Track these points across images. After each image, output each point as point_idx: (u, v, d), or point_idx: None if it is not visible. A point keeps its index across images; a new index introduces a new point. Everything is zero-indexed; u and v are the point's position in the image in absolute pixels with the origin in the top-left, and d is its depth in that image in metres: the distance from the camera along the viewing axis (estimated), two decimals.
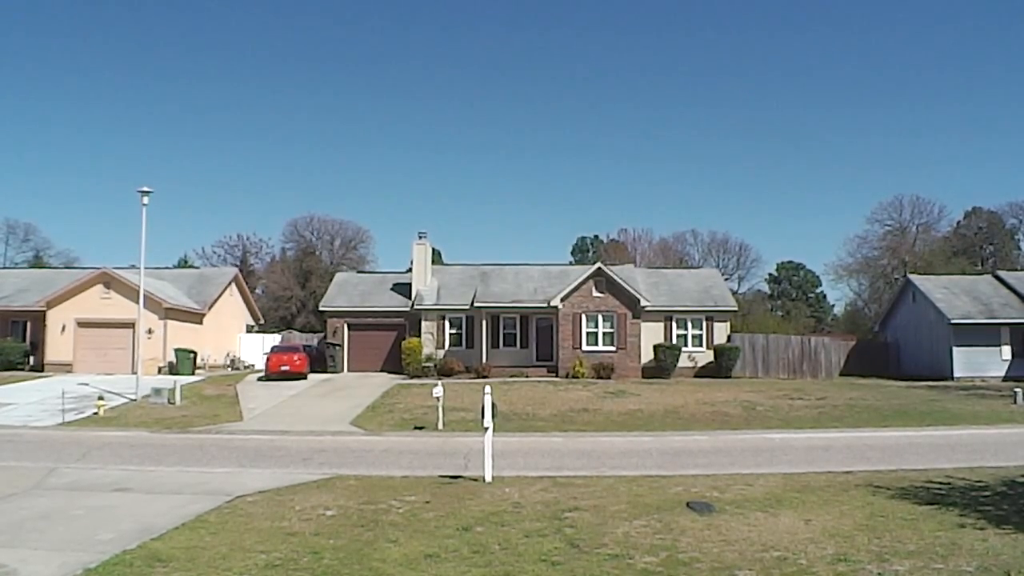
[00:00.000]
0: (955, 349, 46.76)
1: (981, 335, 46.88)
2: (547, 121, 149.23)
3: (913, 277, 54.80)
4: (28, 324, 48.61)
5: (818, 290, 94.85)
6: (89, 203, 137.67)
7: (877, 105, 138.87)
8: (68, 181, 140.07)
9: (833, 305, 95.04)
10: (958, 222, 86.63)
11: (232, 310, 56.46)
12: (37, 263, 77.40)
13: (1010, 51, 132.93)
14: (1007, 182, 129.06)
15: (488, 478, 17.35)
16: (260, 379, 43.69)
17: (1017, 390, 34.57)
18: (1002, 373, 46.26)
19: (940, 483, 16.69)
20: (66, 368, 45.70)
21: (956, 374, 46.20)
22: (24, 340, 48.28)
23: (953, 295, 49.68)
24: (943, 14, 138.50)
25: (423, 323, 49.30)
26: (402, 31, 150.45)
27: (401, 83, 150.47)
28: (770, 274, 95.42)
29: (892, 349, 53.04)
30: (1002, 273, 54.02)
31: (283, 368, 43.16)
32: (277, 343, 52.09)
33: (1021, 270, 60.44)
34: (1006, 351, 47.01)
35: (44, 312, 46.92)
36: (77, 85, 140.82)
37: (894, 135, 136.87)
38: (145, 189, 35.10)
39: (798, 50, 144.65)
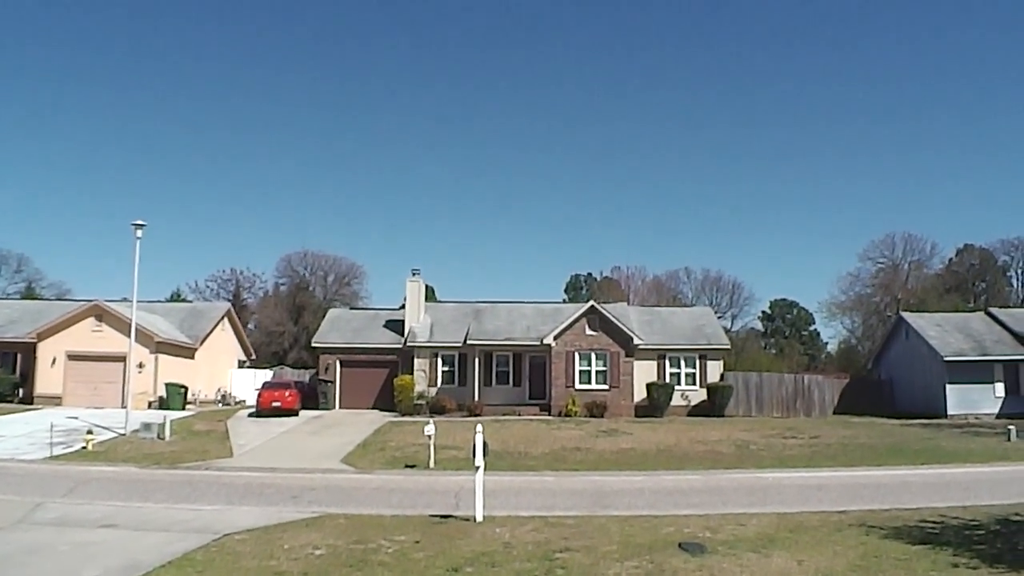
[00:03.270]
0: (949, 386, 46.69)
1: (974, 372, 46.83)
2: (541, 158, 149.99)
3: (906, 314, 54.84)
4: (18, 356, 48.32)
5: (811, 328, 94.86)
6: (82, 235, 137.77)
7: (869, 143, 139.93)
8: (62, 213, 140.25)
9: (826, 343, 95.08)
10: (950, 259, 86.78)
11: (224, 345, 56.25)
12: (29, 294, 77.06)
13: (1000, 90, 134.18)
14: (999, 219, 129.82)
15: (479, 517, 17.20)
16: (251, 415, 43.42)
17: (1011, 427, 34.51)
18: (996, 410, 46.15)
19: (934, 522, 16.59)
20: (56, 401, 45.39)
21: (950, 411, 46.07)
22: (14, 372, 47.98)
23: (946, 332, 49.69)
24: (934, 53, 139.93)
25: (416, 360, 49.13)
26: (396, 71, 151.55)
27: (395, 120, 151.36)
28: (763, 312, 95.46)
29: (886, 387, 52.93)
30: (994, 310, 54.11)
31: (274, 404, 42.90)
32: (269, 379, 51.83)
33: (1013, 307, 60.55)
34: (999, 388, 46.94)
35: (35, 344, 46.69)
36: (72, 117, 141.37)
37: (886, 173, 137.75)
38: (139, 222, 35.03)
39: (790, 89, 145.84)
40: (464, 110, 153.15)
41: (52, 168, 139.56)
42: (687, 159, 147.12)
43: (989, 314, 53.21)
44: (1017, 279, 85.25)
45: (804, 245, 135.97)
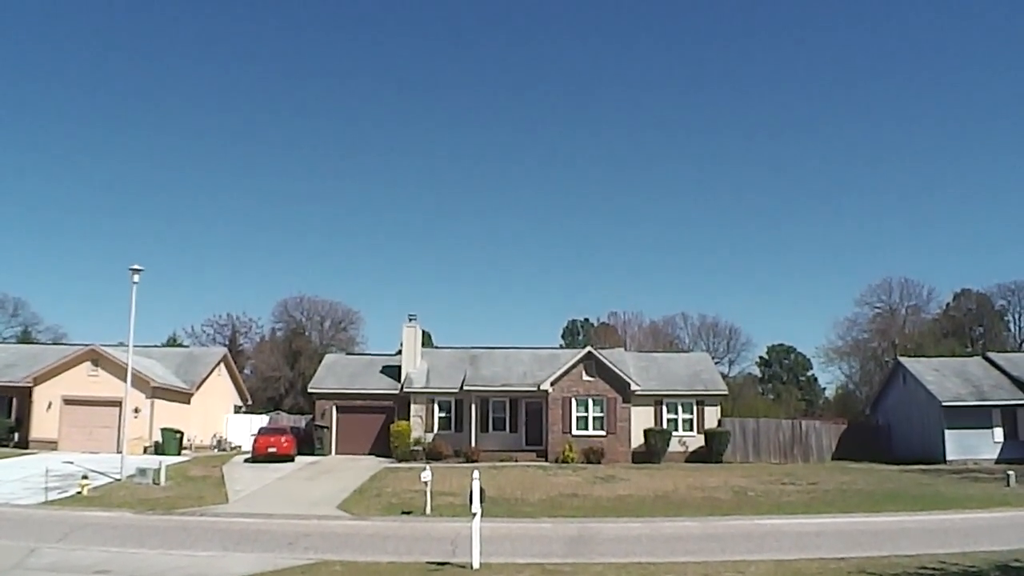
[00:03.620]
0: (947, 432, 46.55)
1: (973, 417, 46.70)
2: (538, 204, 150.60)
3: (903, 359, 54.85)
4: (14, 400, 48.06)
5: (809, 373, 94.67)
6: (79, 279, 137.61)
7: (865, 189, 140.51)
8: (59, 257, 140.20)
9: (824, 388, 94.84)
10: (947, 304, 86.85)
11: (220, 390, 56.11)
12: (25, 338, 76.95)
13: (996, 135, 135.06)
14: (996, 264, 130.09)
15: (476, 565, 17.11)
16: (247, 460, 43.21)
17: (1010, 473, 34.41)
18: (994, 455, 45.99)
19: (933, 569, 16.51)
20: (51, 446, 45.18)
21: (948, 457, 45.91)
22: (9, 416, 47.71)
23: (944, 377, 49.64)
24: (931, 98, 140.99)
25: (412, 406, 49.01)
26: (391, 116, 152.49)
27: (392, 166, 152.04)
28: (761, 357, 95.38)
29: (883, 432, 52.77)
30: (992, 355, 54.08)
31: (270, 450, 42.73)
32: (265, 424, 51.66)
33: (1011, 351, 60.54)
34: (998, 433, 46.81)
35: (31, 388, 46.58)
36: (70, 162, 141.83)
37: (883, 218, 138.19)
38: (136, 267, 35.09)
39: (787, 133, 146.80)
40: (460, 155, 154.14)
41: (49, 212, 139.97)
42: (684, 204, 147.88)
43: (987, 359, 53.19)
44: (1015, 323, 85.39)
45: (801, 290, 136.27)
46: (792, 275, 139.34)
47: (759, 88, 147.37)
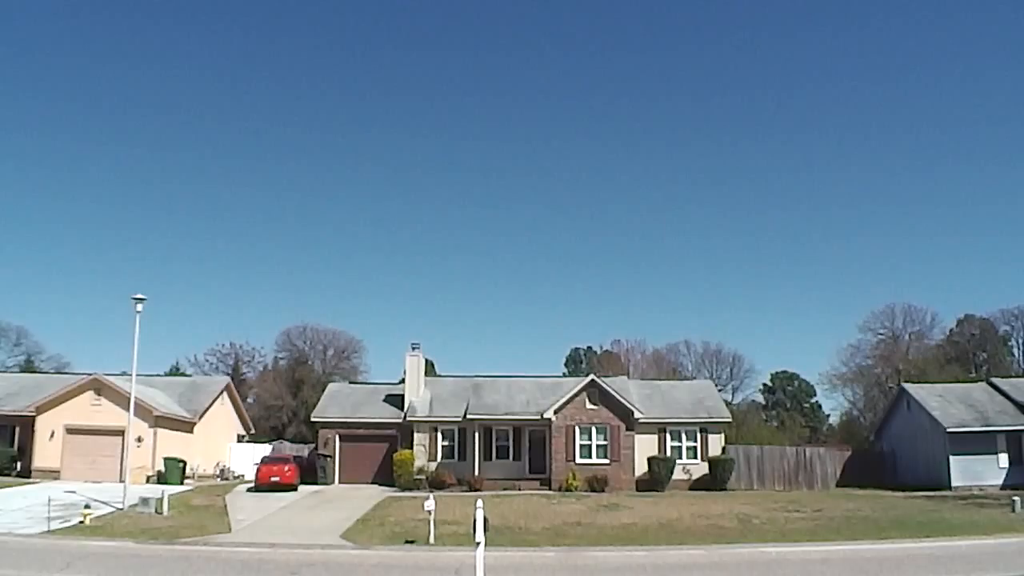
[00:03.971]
0: (952, 458, 46.36)
1: (977, 443, 46.52)
2: (540, 233, 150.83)
3: (907, 386, 54.71)
4: (16, 429, 48.00)
5: (813, 400, 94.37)
6: (82, 308, 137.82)
7: (867, 214, 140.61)
8: (61, 286, 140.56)
9: (828, 415, 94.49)
10: (951, 329, 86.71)
11: (223, 419, 56.05)
12: (28, 367, 76.95)
13: (998, 160, 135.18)
14: (999, 289, 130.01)
15: None
16: (249, 490, 43.13)
17: (1015, 498, 34.22)
18: (1000, 481, 45.79)
19: None
20: (53, 475, 45.04)
21: (954, 483, 45.70)
22: (12, 445, 47.64)
23: (948, 403, 49.50)
24: (933, 125, 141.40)
25: (415, 435, 48.92)
26: (393, 145, 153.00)
27: (393, 194, 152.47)
28: (764, 384, 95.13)
29: (888, 459, 52.58)
30: (996, 380, 53.93)
31: (273, 479, 42.65)
32: (267, 453, 51.60)
33: (1015, 376, 60.45)
34: (1003, 459, 46.62)
35: (33, 417, 46.53)
36: (72, 191, 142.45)
37: (886, 244, 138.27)
38: (139, 296, 35.12)
39: (788, 161, 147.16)
40: (462, 183, 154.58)
41: (53, 241, 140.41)
42: (687, 232, 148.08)
43: (991, 384, 53.06)
44: (1018, 348, 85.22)
45: (804, 317, 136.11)
46: (795, 302, 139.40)
47: (762, 114, 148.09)
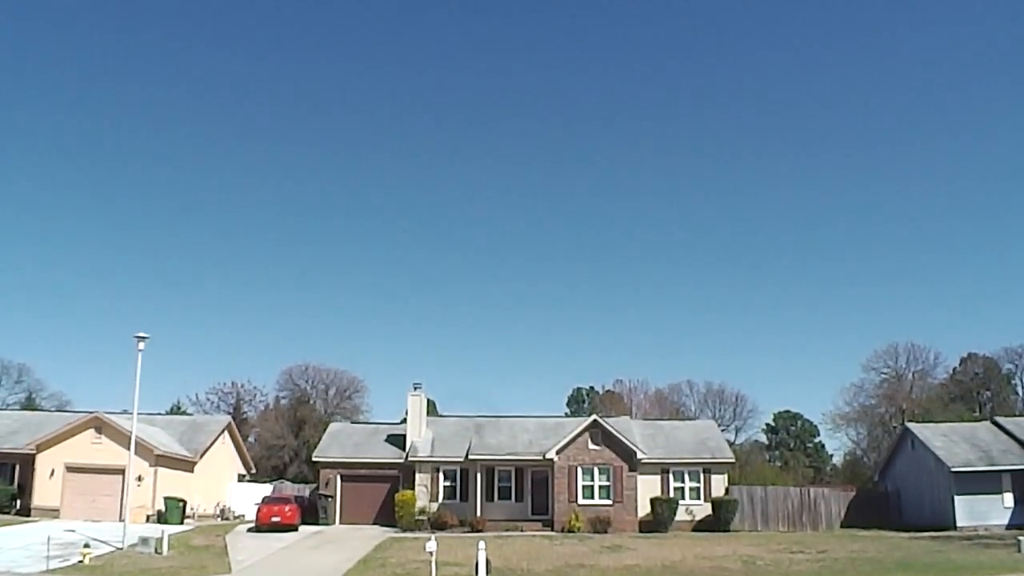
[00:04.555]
0: (957, 498, 46.03)
1: (982, 483, 46.20)
2: (542, 273, 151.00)
3: (911, 425, 54.49)
4: (16, 467, 47.77)
5: (816, 440, 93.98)
6: (84, 346, 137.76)
7: (869, 253, 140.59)
8: (63, 324, 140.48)
9: (832, 455, 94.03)
10: (954, 368, 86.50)
11: (224, 458, 55.85)
12: (29, 405, 76.94)
13: (1002, 198, 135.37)
14: (1002, 327, 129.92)
15: None
16: (250, 530, 42.91)
17: (1020, 539, 34.01)
18: (1005, 521, 45.42)
19: None
20: (53, 513, 44.77)
21: (959, 523, 45.32)
22: (12, 483, 47.38)
23: (952, 443, 49.27)
24: (936, 161, 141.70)
25: (417, 475, 48.73)
26: (394, 182, 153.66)
27: (397, 233, 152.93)
28: (767, 424, 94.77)
29: (893, 499, 52.25)
30: (1000, 419, 53.66)
31: (274, 519, 42.42)
32: (268, 493, 51.35)
33: (1019, 415, 60.28)
34: (1008, 498, 46.27)
35: (33, 455, 46.32)
36: (74, 228, 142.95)
37: (888, 283, 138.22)
38: (141, 335, 35.14)
39: (790, 199, 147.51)
40: (464, 223, 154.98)
41: (54, 279, 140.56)
42: (688, 272, 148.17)
43: (995, 423, 52.82)
44: (1022, 387, 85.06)
45: (807, 356, 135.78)
46: (798, 341, 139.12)
47: (762, 152, 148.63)
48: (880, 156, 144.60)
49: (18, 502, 46.67)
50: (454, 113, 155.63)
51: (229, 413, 73.94)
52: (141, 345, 35.19)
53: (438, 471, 48.96)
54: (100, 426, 46.75)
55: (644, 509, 46.36)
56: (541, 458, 46.37)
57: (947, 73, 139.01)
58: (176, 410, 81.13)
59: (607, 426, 47.05)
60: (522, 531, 43.45)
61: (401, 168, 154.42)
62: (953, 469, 46.37)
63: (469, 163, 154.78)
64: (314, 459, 52.62)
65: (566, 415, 76.69)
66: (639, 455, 46.07)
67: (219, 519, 51.58)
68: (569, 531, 43.45)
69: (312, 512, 48.19)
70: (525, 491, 48.28)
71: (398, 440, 51.87)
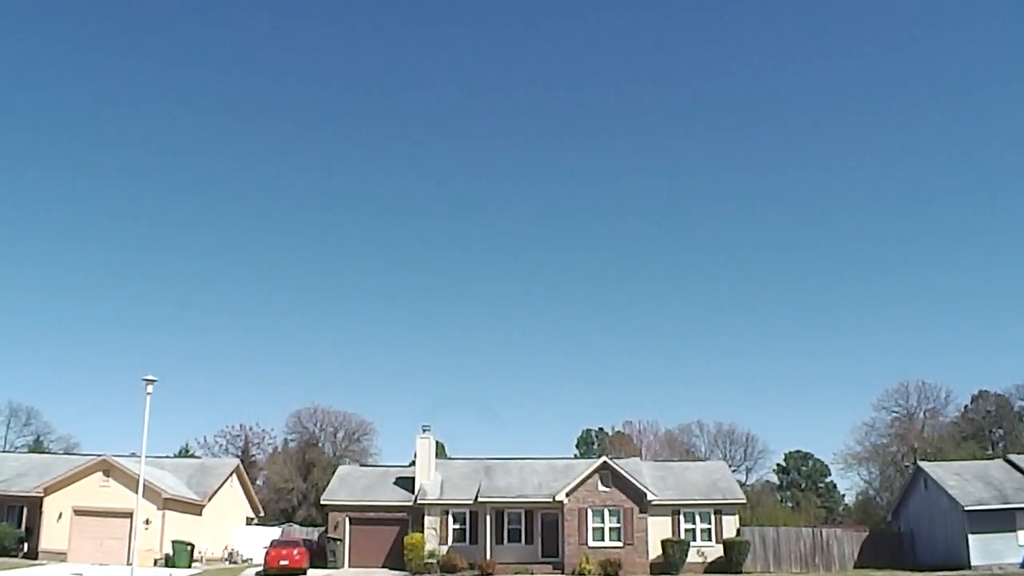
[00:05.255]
0: (971, 536, 45.52)
1: (996, 521, 45.71)
2: (550, 314, 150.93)
3: (923, 464, 54.10)
4: (24, 510, 47.56)
5: (828, 479, 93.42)
6: (92, 389, 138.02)
7: (879, 291, 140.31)
8: (71, 366, 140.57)
9: (844, 495, 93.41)
10: (966, 406, 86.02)
11: (232, 502, 55.65)
12: (37, 448, 77.03)
13: (1012, 233, 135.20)
14: (1013, 364, 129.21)
15: None
16: (258, 574, 42.73)
17: None
18: (1019, 559, 44.84)
19: None
20: (60, 557, 44.57)
21: (973, 562, 44.81)
22: (19, 526, 47.14)
23: (965, 481, 48.88)
24: (945, 194, 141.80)
25: (426, 518, 48.53)
26: (401, 224, 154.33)
27: (403, 275, 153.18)
28: (778, 464, 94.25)
29: (906, 539, 51.76)
30: (1013, 457, 53.14)
31: (282, 562, 42.17)
32: (277, 536, 51.08)
33: None
34: (1022, 536, 45.76)
35: (41, 498, 46.21)
36: (82, 271, 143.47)
37: (897, 320, 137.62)
38: (150, 377, 35.16)
39: (801, 236, 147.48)
40: (473, 265, 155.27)
41: (62, 322, 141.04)
42: (698, 311, 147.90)
43: (1008, 461, 52.38)
44: None
45: (818, 395, 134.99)
46: (808, 380, 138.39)
47: (769, 189, 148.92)
48: (891, 191, 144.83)
49: (26, 545, 46.47)
50: (457, 164, 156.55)
51: (237, 456, 73.82)
52: (150, 388, 35.19)
53: (447, 514, 48.75)
54: (108, 469, 46.68)
55: (655, 551, 46.01)
56: (551, 500, 46.14)
57: (962, 108, 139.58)
58: (184, 453, 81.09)
59: (617, 467, 46.85)
60: (532, 574, 43.36)
61: (406, 211, 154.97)
62: (966, 508, 45.97)
63: (475, 203, 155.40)
64: (323, 502, 52.44)
65: (575, 457, 76.37)
66: (649, 496, 45.83)
67: (227, 563, 51.28)
68: (580, 574, 43.14)
69: (321, 555, 47.96)
70: (535, 534, 47.97)
71: (407, 483, 51.68)
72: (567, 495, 45.79)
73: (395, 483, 52.56)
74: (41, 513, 46.29)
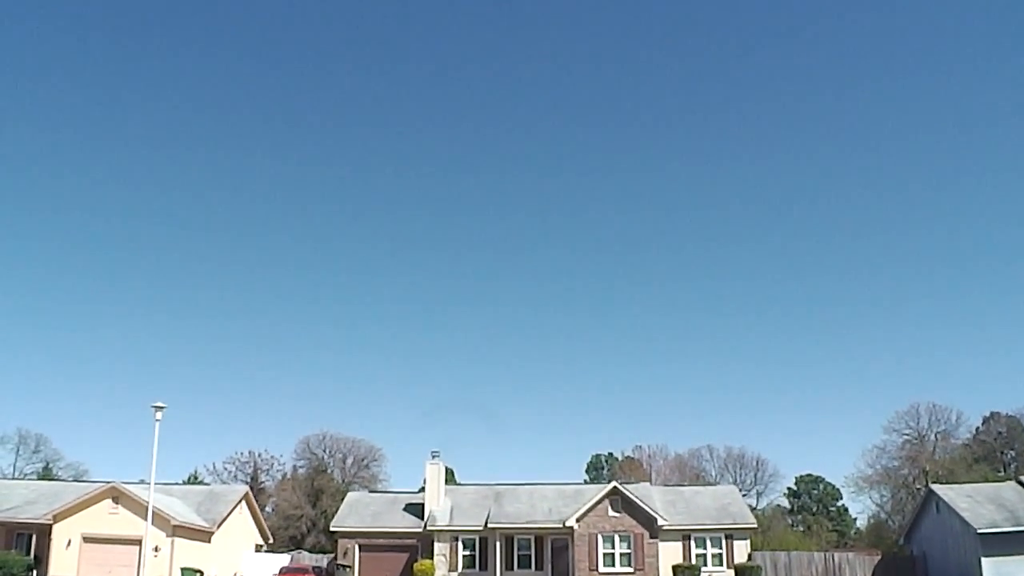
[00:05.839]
0: (984, 559, 45.27)
1: (1009, 544, 45.41)
2: (560, 338, 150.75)
3: (935, 487, 53.81)
4: (33, 537, 47.58)
5: (839, 503, 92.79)
6: (101, 415, 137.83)
7: (888, 313, 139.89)
8: (81, 393, 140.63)
9: (855, 518, 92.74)
10: (977, 428, 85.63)
11: (241, 528, 55.49)
12: (46, 475, 77.01)
13: (1019, 255, 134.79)
14: None
15: None
16: None
17: None
18: None
19: None
20: None
21: None
22: (28, 554, 47.11)
23: (978, 503, 48.63)
24: (954, 216, 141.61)
25: (436, 544, 48.49)
26: (409, 250, 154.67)
27: (413, 300, 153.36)
28: (789, 488, 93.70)
29: (919, 562, 51.47)
30: None
31: None
32: (286, 564, 50.96)
33: None
34: None
35: (50, 526, 46.21)
36: (92, 297, 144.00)
37: (907, 342, 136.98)
38: (159, 404, 35.24)
39: (811, 259, 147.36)
40: (483, 291, 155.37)
41: (72, 349, 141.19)
42: (707, 335, 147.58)
43: (1020, 483, 52.09)
44: None
45: (828, 419, 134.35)
46: (818, 403, 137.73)
47: (779, 211, 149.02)
48: (901, 216, 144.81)
49: (35, 572, 46.43)
50: (471, 168, 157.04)
51: (246, 482, 73.70)
52: (159, 415, 35.31)
53: (457, 540, 48.65)
54: (117, 496, 46.66)
55: None
56: (561, 526, 46.03)
57: (980, 132, 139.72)
58: (193, 479, 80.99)
59: (627, 493, 46.73)
60: None
61: (417, 241, 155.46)
62: (979, 531, 45.72)
63: (486, 234, 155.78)
64: (332, 529, 52.39)
65: (585, 482, 76.03)
66: (660, 522, 45.69)
67: None
68: None
69: None
70: (545, 560, 47.87)
71: (416, 509, 51.60)
72: (577, 521, 45.68)
73: (404, 509, 52.49)
74: (50, 540, 46.25)
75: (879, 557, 52.81)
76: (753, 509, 65.30)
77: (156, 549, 44.27)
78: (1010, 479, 56.99)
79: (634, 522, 45.85)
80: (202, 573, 45.97)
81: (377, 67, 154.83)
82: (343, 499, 57.85)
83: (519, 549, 47.98)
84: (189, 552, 47.17)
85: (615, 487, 47.40)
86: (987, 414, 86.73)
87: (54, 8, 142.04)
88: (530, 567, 47.67)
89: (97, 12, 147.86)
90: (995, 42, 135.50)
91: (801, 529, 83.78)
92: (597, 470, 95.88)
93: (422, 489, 53.86)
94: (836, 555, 51.50)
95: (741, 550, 48.07)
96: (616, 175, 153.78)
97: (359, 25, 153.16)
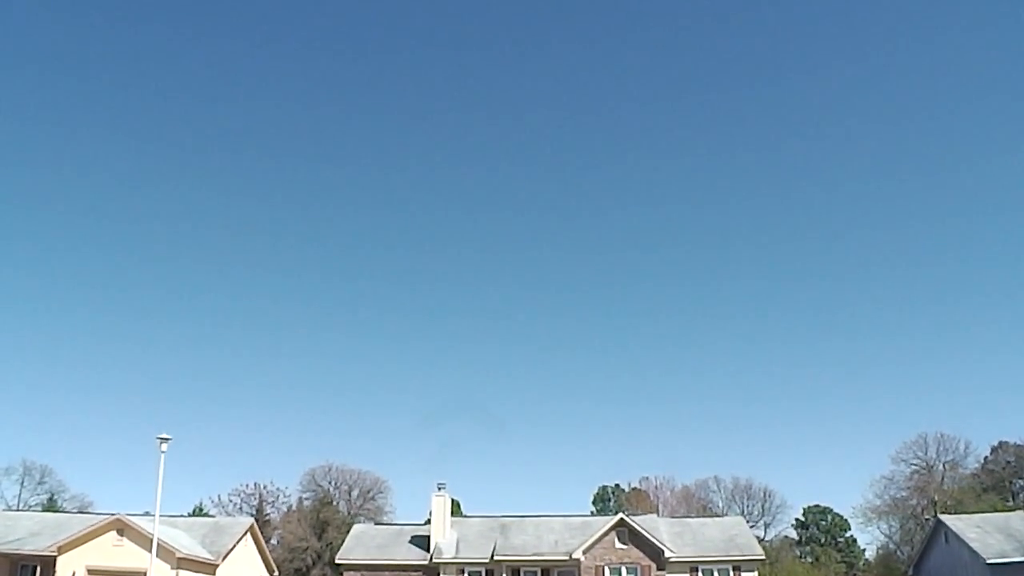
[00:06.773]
0: None
1: (1019, 574, 45.05)
2: (566, 371, 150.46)
3: (944, 517, 53.56)
4: (38, 569, 47.32)
5: (847, 534, 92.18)
6: (106, 447, 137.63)
7: (895, 343, 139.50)
8: (86, 425, 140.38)
9: (864, 549, 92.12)
10: (985, 457, 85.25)
11: (246, 561, 55.22)
12: (51, 506, 76.96)
13: None
14: None
15: None
16: None
17: None
18: None
19: None
20: None
21: None
22: None
23: (987, 534, 48.36)
24: (962, 245, 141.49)
25: None
26: (413, 278, 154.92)
27: (417, 332, 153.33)
28: (797, 519, 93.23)
29: None
30: None
31: None
32: None
33: None
34: None
35: (55, 557, 46.03)
36: (97, 328, 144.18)
37: (915, 372, 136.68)
38: (164, 436, 35.20)
39: (816, 286, 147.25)
40: (489, 322, 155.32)
41: (76, 381, 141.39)
42: (714, 367, 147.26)
43: None
44: None
45: (836, 449, 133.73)
46: (825, 434, 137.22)
47: (786, 240, 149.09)
48: (909, 247, 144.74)
49: None
50: (472, 201, 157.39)
51: (252, 515, 73.51)
52: (164, 446, 35.26)
53: (463, 572, 48.35)
54: (122, 528, 46.55)
55: None
56: (567, 558, 45.83)
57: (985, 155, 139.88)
58: (199, 512, 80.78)
59: (634, 524, 46.53)
60: None
61: (418, 270, 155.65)
62: (988, 561, 45.41)
63: (486, 265, 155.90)
64: (338, 561, 52.19)
65: (592, 514, 75.78)
66: (667, 553, 45.48)
67: None
68: None
69: None
70: None
71: (422, 541, 51.35)
72: (584, 553, 45.45)
73: (410, 541, 52.24)
74: (54, 572, 46.10)
75: None
76: (761, 540, 64.97)
77: None
78: (1019, 509, 56.87)
79: (641, 554, 45.64)
80: None
81: (377, 67, 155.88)
82: (348, 531, 57.61)
83: None
84: None
85: (622, 519, 47.24)
86: (995, 443, 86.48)
87: (54, 8, 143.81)
88: None
89: (97, 12, 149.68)
90: None
91: (809, 560, 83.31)
92: (604, 501, 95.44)
93: (428, 521, 53.64)
94: None
95: None
96: (636, 212, 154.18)
97: (359, 25, 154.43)
